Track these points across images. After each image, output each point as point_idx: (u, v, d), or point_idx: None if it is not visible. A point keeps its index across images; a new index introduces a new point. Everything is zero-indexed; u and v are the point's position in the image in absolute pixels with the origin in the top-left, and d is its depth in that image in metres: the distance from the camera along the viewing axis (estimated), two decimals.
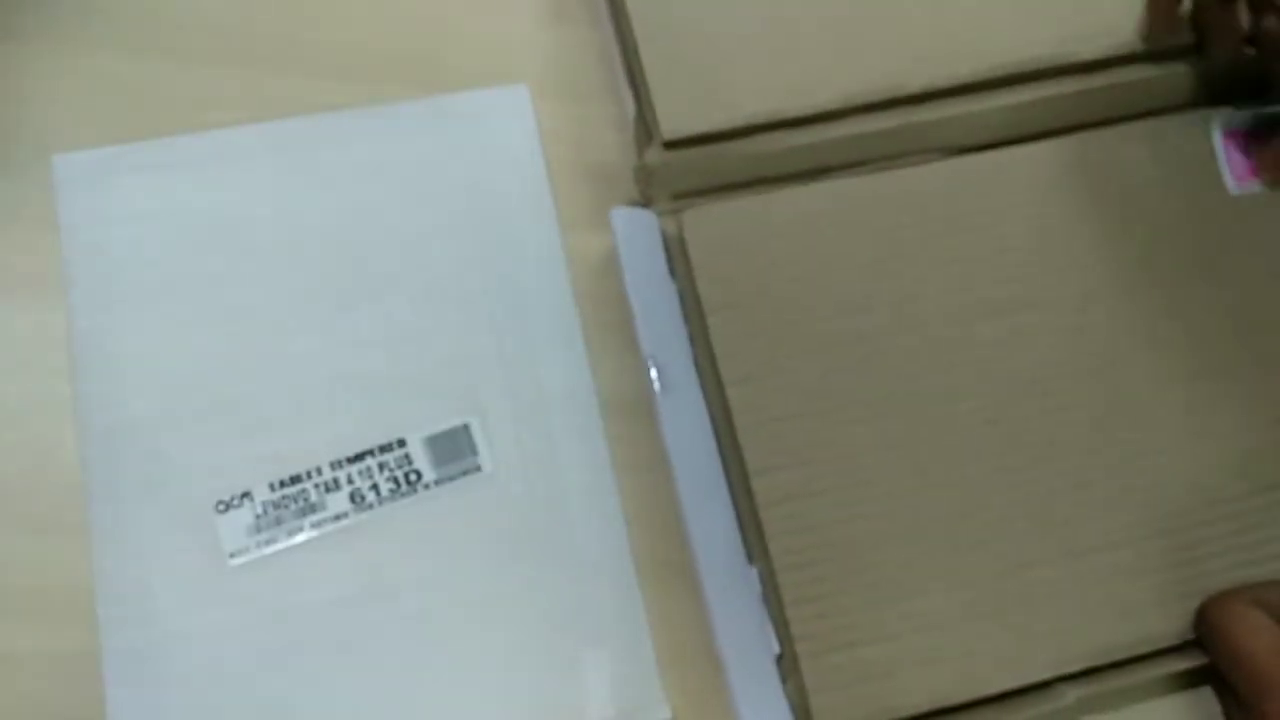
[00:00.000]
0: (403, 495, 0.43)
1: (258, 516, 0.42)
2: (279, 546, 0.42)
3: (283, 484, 0.43)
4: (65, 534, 0.42)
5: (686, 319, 0.43)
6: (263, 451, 0.43)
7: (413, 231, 0.46)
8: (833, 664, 0.39)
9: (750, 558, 0.41)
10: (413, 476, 0.43)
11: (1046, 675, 0.39)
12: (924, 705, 0.39)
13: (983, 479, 0.41)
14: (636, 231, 0.44)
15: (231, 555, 0.42)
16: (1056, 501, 0.41)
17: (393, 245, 0.46)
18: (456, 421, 0.44)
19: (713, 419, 0.42)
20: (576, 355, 0.45)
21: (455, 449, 0.44)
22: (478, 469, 0.44)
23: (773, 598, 0.40)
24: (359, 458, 0.43)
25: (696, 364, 0.43)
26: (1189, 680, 0.41)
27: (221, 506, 0.42)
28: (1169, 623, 0.40)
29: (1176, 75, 0.47)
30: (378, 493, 0.43)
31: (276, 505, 0.42)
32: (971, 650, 0.39)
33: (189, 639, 0.41)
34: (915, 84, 0.45)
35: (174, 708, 0.40)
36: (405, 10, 0.50)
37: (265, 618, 0.41)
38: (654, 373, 0.42)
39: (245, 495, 0.42)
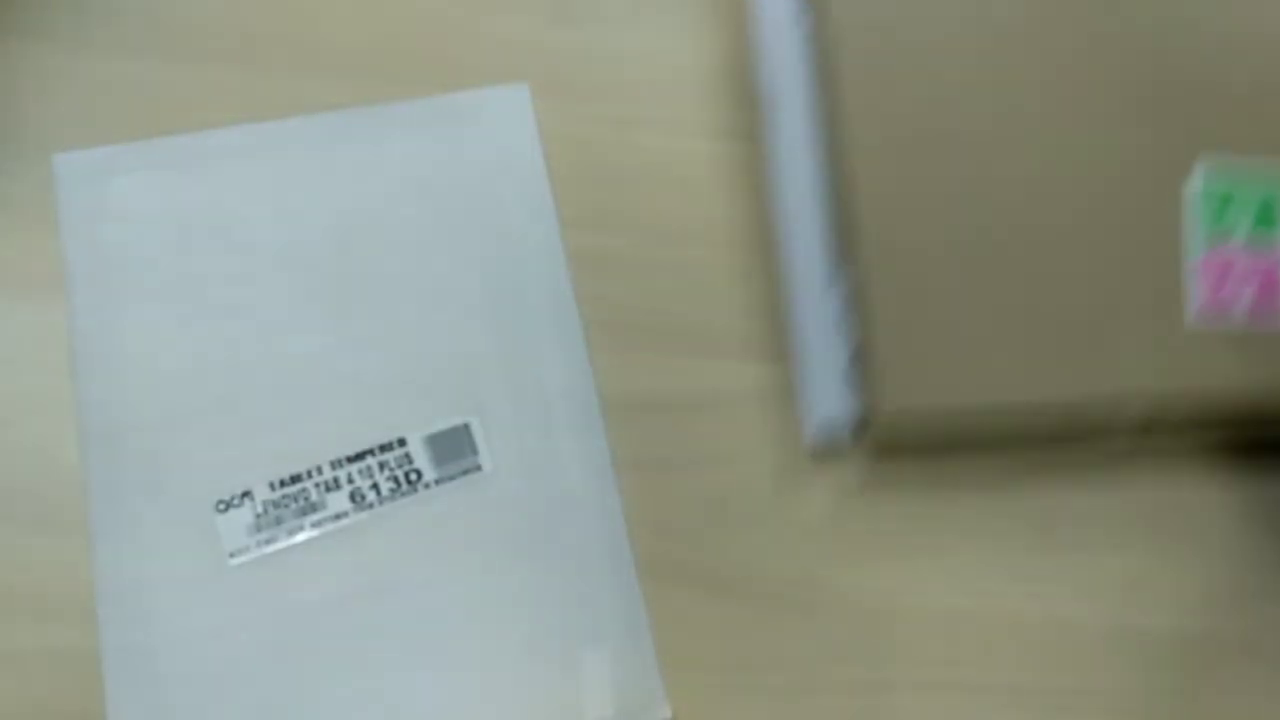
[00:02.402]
0: (403, 494, 0.43)
1: (258, 516, 0.42)
2: (279, 546, 0.42)
3: (283, 483, 0.43)
4: (64, 533, 0.42)
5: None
6: (263, 451, 0.43)
7: (412, 231, 0.46)
8: (907, 353, 0.40)
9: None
10: (413, 476, 0.43)
11: (1115, 389, 0.40)
12: (988, 402, 0.40)
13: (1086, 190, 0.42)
14: None
15: (232, 555, 0.42)
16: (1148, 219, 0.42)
17: (392, 245, 0.46)
18: (457, 421, 0.44)
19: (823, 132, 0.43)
20: (577, 354, 0.45)
21: (455, 448, 0.44)
22: (478, 468, 0.44)
23: (859, 292, 0.41)
24: (359, 457, 0.43)
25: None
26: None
27: (222, 506, 0.42)
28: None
29: None
30: (378, 492, 0.43)
31: (277, 505, 0.42)
32: (1043, 356, 0.40)
33: (189, 638, 0.41)
34: None
35: (174, 706, 0.40)
36: (405, 10, 0.50)
37: (265, 617, 0.41)
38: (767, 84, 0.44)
39: (245, 494, 0.42)
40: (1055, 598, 0.43)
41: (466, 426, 0.44)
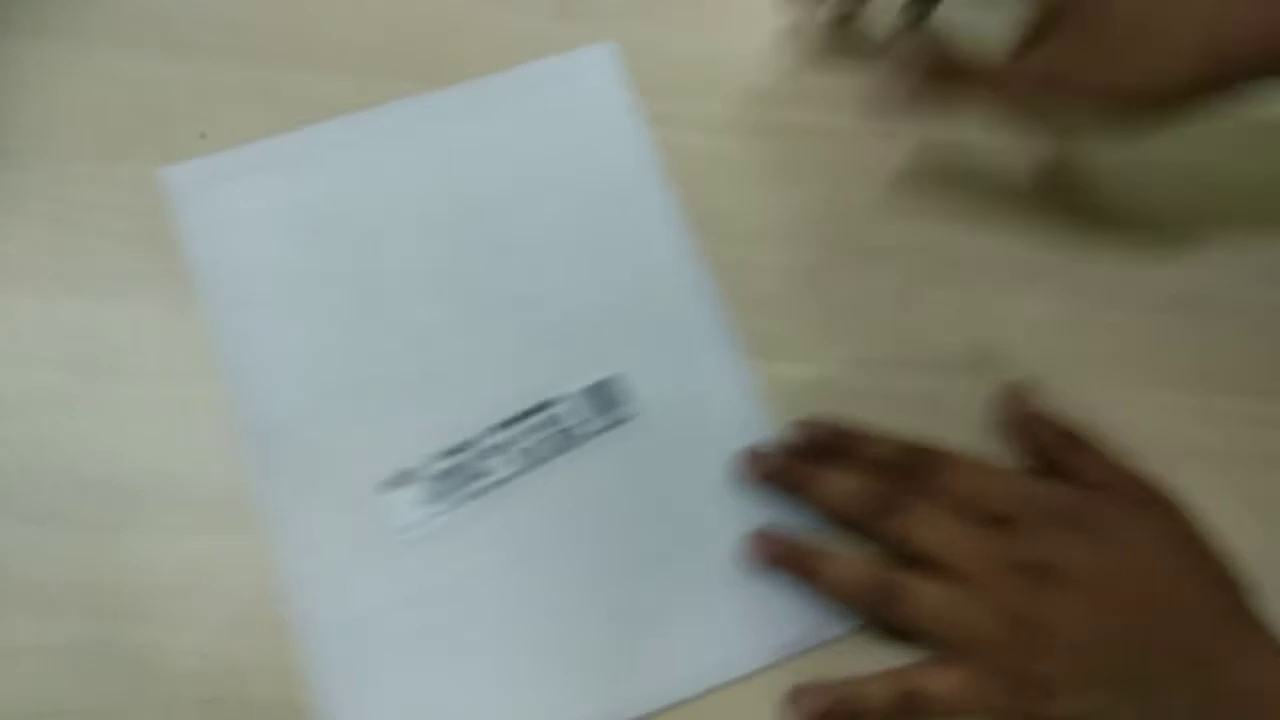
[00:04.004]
0: (561, 452, 0.44)
1: (424, 490, 0.43)
2: (447, 517, 0.43)
3: (444, 456, 0.43)
4: (63, 526, 0.42)
5: None
6: (420, 427, 0.43)
7: (528, 195, 0.47)
8: None
9: None
10: (569, 432, 0.44)
11: None
12: None
13: None
14: None
15: (405, 529, 0.42)
16: None
17: (512, 211, 0.47)
18: (602, 374, 0.45)
19: None
20: (705, 297, 0.46)
21: (605, 401, 0.44)
22: (630, 418, 0.44)
23: None
24: (514, 421, 0.44)
25: None
26: None
27: (385, 486, 0.43)
28: None
29: None
30: (537, 452, 0.44)
31: (440, 478, 0.43)
32: None
33: (378, 615, 0.41)
34: None
35: (375, 680, 0.40)
36: (404, 5, 0.50)
37: (443, 587, 0.42)
38: None
39: (408, 472, 0.43)
40: None
41: (612, 379, 0.45)
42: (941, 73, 0.43)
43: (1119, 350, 0.46)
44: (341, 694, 0.40)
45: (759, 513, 0.43)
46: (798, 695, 0.41)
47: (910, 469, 0.42)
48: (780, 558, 0.42)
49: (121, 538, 0.42)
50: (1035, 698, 0.39)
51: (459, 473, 0.43)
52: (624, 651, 0.42)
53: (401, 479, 0.43)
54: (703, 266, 0.46)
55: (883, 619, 0.41)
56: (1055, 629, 0.39)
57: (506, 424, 0.44)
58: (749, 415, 0.44)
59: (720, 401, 0.45)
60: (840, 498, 0.42)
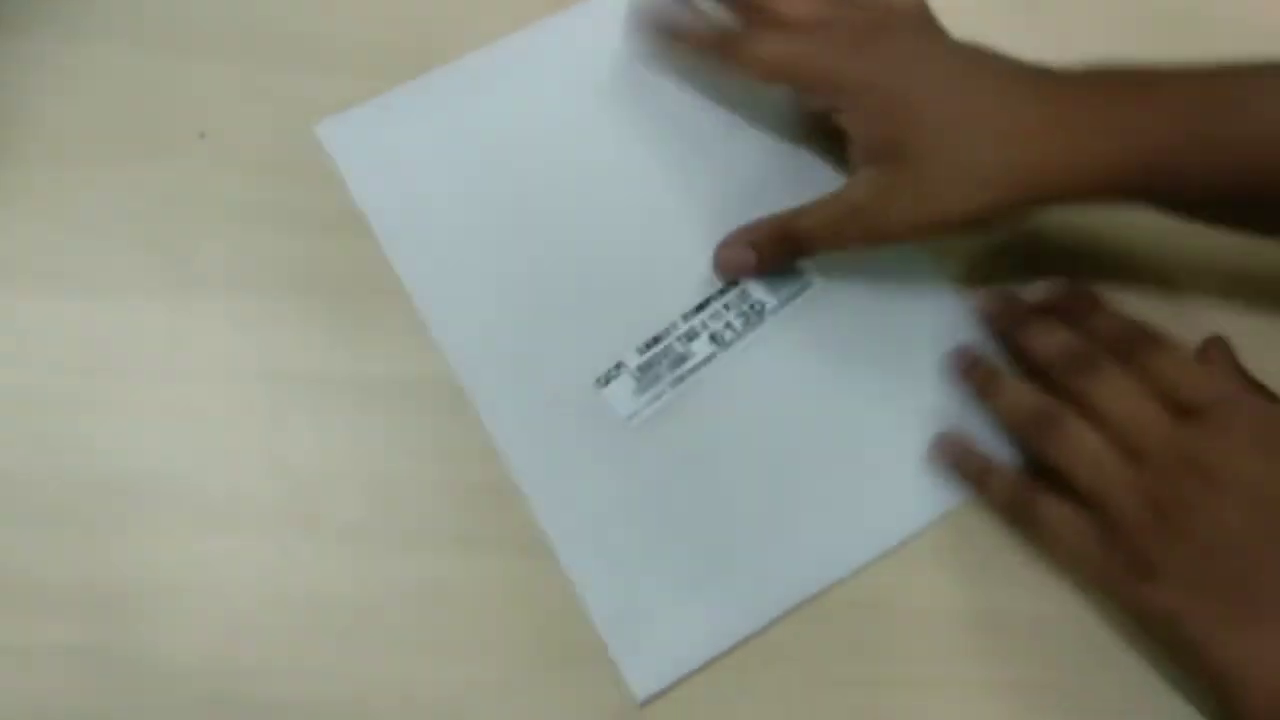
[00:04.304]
0: (753, 327, 0.46)
1: (637, 379, 0.45)
2: (666, 399, 0.45)
3: (648, 345, 0.46)
4: (63, 527, 0.41)
5: None
6: (617, 324, 0.46)
7: (671, 98, 0.50)
8: None
9: None
10: (757, 307, 0.46)
11: None
12: None
13: None
14: None
15: (629, 418, 0.44)
16: None
17: (663, 111, 0.49)
18: None
19: None
20: None
21: (784, 274, 0.47)
22: (810, 285, 0.47)
23: None
24: (704, 305, 0.46)
25: None
26: None
27: (601, 380, 0.45)
28: None
29: None
30: (733, 329, 0.46)
31: (649, 366, 0.45)
32: None
33: (622, 502, 0.43)
34: None
35: (630, 570, 0.42)
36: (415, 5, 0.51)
37: (671, 468, 0.44)
38: None
39: (619, 365, 0.45)
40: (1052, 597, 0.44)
41: None
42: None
43: None
44: (597, 579, 0.42)
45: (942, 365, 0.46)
46: (939, 442, 0.44)
47: (1124, 342, 0.43)
48: (969, 370, 0.45)
49: (122, 539, 0.41)
50: (1135, 576, 0.40)
51: (663, 359, 0.45)
52: (834, 510, 0.44)
53: (613, 373, 0.45)
54: None
55: (1037, 452, 0.43)
56: (1194, 527, 0.39)
57: (699, 308, 0.46)
58: (919, 271, 0.48)
59: (899, 266, 0.48)
60: (1043, 348, 0.44)
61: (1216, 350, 0.44)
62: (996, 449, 0.45)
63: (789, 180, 0.48)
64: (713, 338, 0.46)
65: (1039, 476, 0.43)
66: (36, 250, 0.45)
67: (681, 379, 0.45)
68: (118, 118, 0.47)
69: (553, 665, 0.41)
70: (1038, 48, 0.44)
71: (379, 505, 0.43)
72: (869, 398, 0.46)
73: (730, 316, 0.46)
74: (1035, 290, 0.47)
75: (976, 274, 0.48)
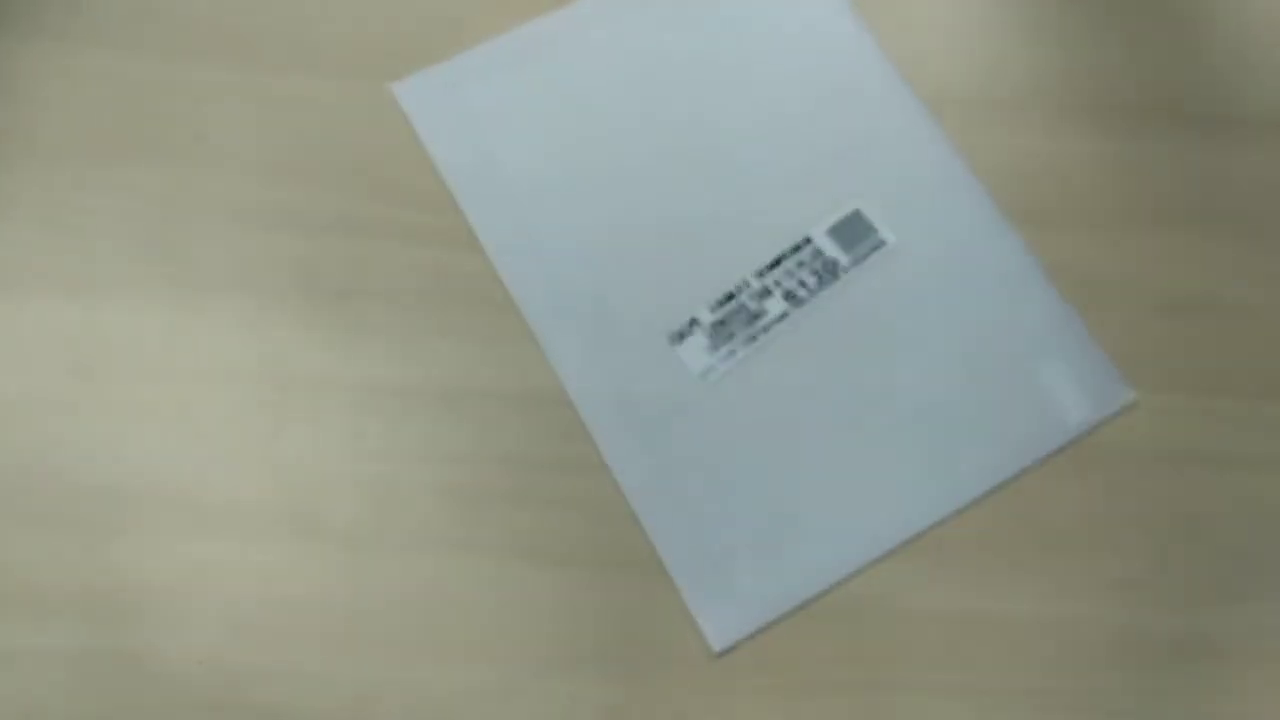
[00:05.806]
0: (826, 285, 0.46)
1: (710, 336, 0.45)
2: (740, 356, 0.45)
3: (720, 303, 0.46)
4: (62, 530, 0.42)
5: None
6: (691, 281, 0.46)
7: (746, 56, 0.50)
8: None
9: None
10: (830, 265, 0.47)
11: None
12: None
13: None
14: None
15: (703, 375, 0.45)
16: None
17: (734, 75, 0.49)
18: (847, 209, 0.47)
19: None
20: (926, 127, 0.49)
21: (856, 232, 0.47)
22: (883, 243, 0.47)
23: None
24: (777, 263, 0.47)
25: None
26: None
27: (676, 337, 0.45)
28: None
29: None
30: (806, 287, 0.46)
31: (722, 323, 0.46)
32: None
33: (699, 457, 0.44)
34: None
35: (706, 521, 0.43)
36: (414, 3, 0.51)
37: (751, 419, 0.44)
38: None
39: (693, 322, 0.46)
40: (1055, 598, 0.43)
41: (858, 211, 0.47)
42: None
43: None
44: (675, 531, 0.43)
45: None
46: None
47: None
48: None
49: (121, 542, 0.42)
50: None
51: (737, 315, 0.46)
52: (909, 468, 0.44)
53: (687, 330, 0.45)
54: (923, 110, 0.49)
55: None
56: None
57: (772, 265, 0.46)
58: (989, 228, 0.47)
59: (969, 224, 0.48)
60: None
61: None
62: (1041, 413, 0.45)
63: (869, 141, 0.48)
64: (787, 295, 0.46)
65: None
66: (35, 253, 0.45)
67: (755, 337, 0.45)
68: (115, 120, 0.48)
69: (553, 667, 0.41)
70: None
71: (379, 507, 0.43)
72: (941, 357, 0.46)
73: (804, 274, 0.46)
74: None
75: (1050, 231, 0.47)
